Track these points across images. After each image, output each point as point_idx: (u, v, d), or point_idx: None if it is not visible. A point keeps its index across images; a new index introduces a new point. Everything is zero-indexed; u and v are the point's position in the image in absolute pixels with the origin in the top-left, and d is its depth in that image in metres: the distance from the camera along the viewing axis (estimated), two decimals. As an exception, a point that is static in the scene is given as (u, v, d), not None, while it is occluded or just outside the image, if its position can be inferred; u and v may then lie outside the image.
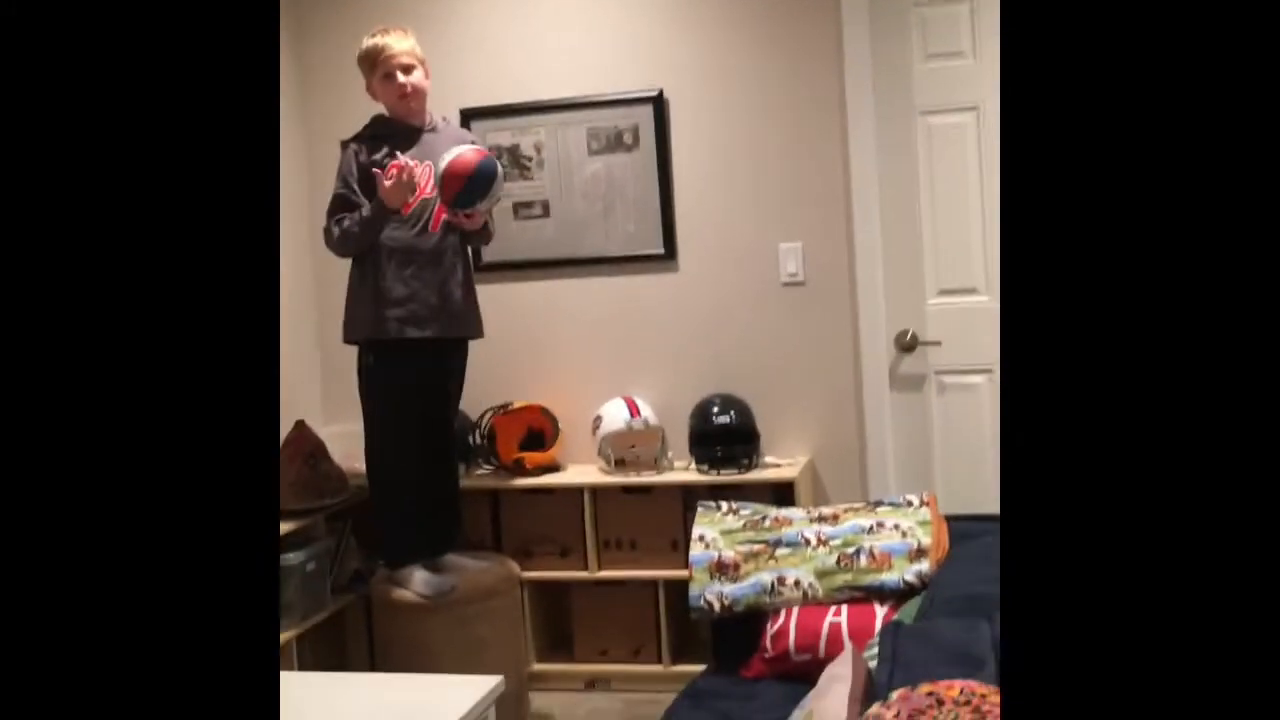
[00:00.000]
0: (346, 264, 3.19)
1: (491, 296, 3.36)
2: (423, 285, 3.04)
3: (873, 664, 2.04)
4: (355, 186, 3.05)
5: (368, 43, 3.11)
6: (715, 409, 3.51)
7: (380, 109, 3.18)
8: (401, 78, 3.07)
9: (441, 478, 3.24)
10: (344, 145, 3.12)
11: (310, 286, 3.91)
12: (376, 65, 3.08)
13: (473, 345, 3.29)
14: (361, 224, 2.99)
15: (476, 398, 3.55)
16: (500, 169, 3.05)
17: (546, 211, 3.77)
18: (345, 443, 3.57)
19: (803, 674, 2.49)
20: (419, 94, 3.12)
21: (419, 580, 3.08)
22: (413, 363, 3.08)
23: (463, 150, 2.98)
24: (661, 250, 3.69)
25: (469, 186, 2.95)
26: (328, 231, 3.07)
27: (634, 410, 3.57)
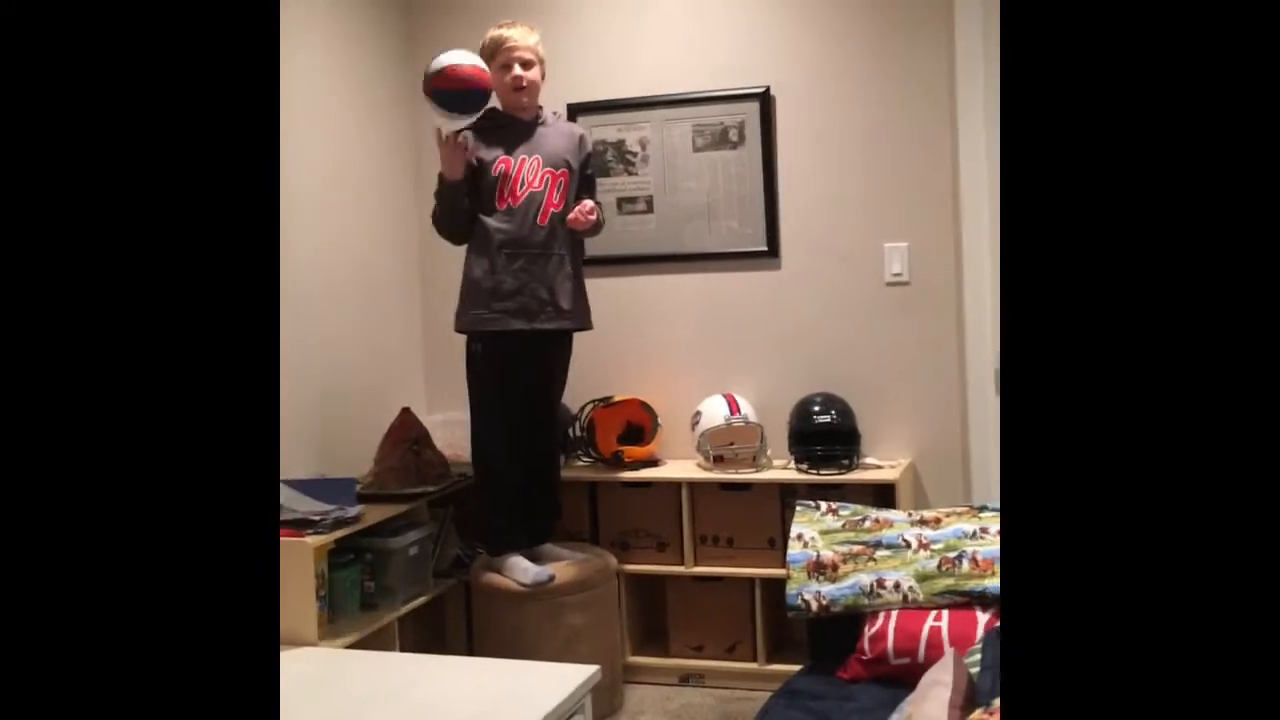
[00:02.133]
0: (453, 257, 3.25)
1: (594, 290, 3.39)
2: (531, 278, 3.09)
3: (975, 670, 2.01)
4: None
5: (493, 33, 3.16)
6: (816, 408, 3.49)
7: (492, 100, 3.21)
8: (518, 70, 3.11)
9: (543, 467, 3.28)
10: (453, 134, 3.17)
11: (416, 278, 3.99)
12: (497, 55, 3.13)
13: (575, 338, 3.33)
14: (437, 200, 3.12)
15: (577, 390, 3.58)
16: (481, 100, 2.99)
17: (650, 207, 3.79)
18: (448, 431, 3.64)
19: (901, 678, 2.46)
20: (532, 89, 3.16)
21: (519, 569, 3.12)
22: (519, 353, 3.12)
23: (474, 63, 2.98)
24: (765, 247, 3.68)
25: (462, 97, 2.97)
26: (432, 216, 3.20)
27: (734, 407, 3.57)
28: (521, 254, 3.09)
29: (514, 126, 3.16)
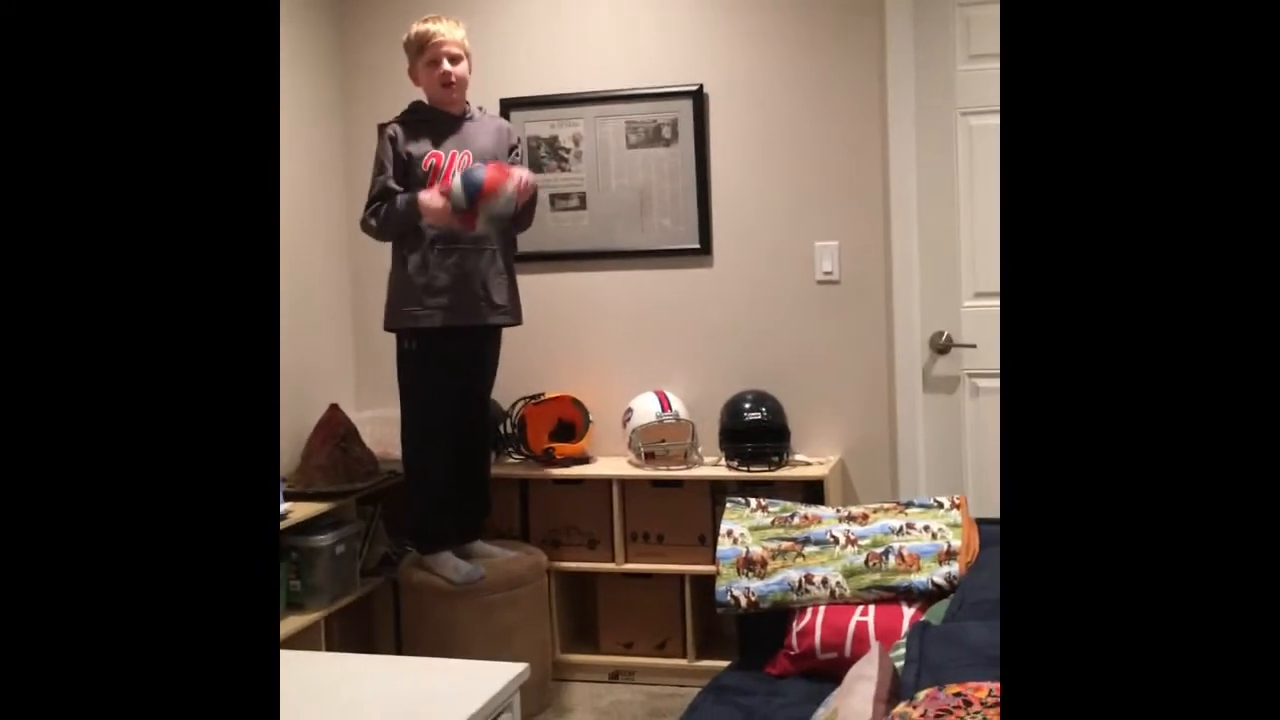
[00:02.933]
0: (382, 252, 3.22)
1: (526, 287, 3.38)
2: (464, 274, 3.06)
3: (899, 664, 2.04)
4: (392, 174, 3.06)
5: (419, 28, 3.11)
6: (747, 405, 3.51)
7: (419, 94, 3.19)
8: (447, 66, 3.08)
9: (474, 464, 3.26)
10: (381, 129, 3.14)
11: (346, 273, 3.93)
12: (425, 50, 3.09)
13: (506, 335, 3.31)
14: (397, 217, 3.02)
15: (508, 387, 3.56)
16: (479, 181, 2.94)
17: (583, 204, 3.78)
18: (377, 428, 3.60)
19: (828, 672, 2.49)
20: (461, 85, 3.13)
21: (449, 566, 3.10)
22: (452, 350, 3.10)
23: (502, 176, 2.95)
24: (697, 245, 3.69)
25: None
26: (365, 221, 3.10)
27: (665, 404, 3.58)
28: (454, 249, 3.06)
29: (442, 120, 3.13)
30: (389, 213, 3.03)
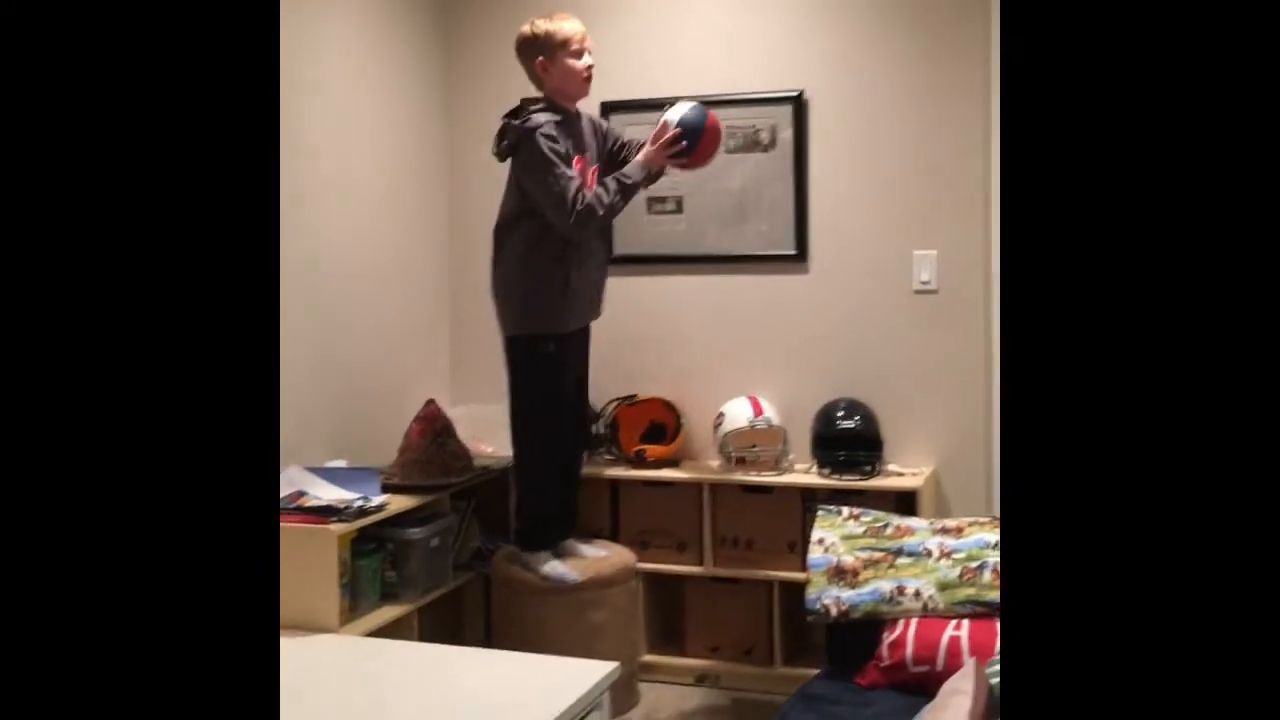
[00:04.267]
0: (483, 254, 3.21)
1: (621, 289, 3.40)
2: (589, 276, 3.14)
3: (995, 681, 2.01)
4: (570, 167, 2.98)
5: (553, 25, 3.05)
6: (840, 413, 3.49)
7: (529, 93, 3.16)
8: (589, 59, 3.07)
9: (576, 464, 3.32)
10: (530, 130, 2.95)
11: (445, 271, 4.01)
12: (568, 44, 3.02)
13: (600, 336, 3.33)
14: (630, 190, 3.04)
15: (602, 388, 3.59)
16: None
17: (680, 207, 3.79)
18: (471, 424, 3.66)
19: (919, 685, 2.46)
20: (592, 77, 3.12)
21: (549, 566, 3.12)
22: (574, 350, 3.18)
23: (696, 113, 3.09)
24: (793, 251, 3.68)
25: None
26: (590, 207, 2.92)
27: (757, 409, 3.57)
28: (588, 256, 3.10)
29: (571, 120, 3.08)
30: (623, 189, 3.01)
